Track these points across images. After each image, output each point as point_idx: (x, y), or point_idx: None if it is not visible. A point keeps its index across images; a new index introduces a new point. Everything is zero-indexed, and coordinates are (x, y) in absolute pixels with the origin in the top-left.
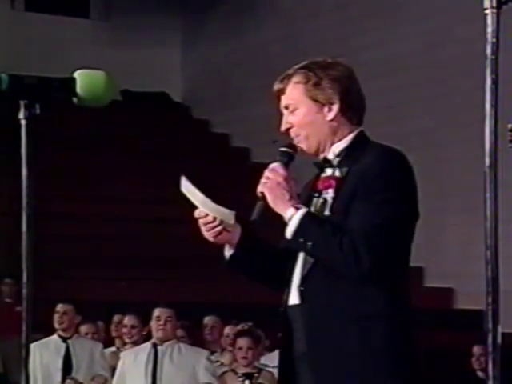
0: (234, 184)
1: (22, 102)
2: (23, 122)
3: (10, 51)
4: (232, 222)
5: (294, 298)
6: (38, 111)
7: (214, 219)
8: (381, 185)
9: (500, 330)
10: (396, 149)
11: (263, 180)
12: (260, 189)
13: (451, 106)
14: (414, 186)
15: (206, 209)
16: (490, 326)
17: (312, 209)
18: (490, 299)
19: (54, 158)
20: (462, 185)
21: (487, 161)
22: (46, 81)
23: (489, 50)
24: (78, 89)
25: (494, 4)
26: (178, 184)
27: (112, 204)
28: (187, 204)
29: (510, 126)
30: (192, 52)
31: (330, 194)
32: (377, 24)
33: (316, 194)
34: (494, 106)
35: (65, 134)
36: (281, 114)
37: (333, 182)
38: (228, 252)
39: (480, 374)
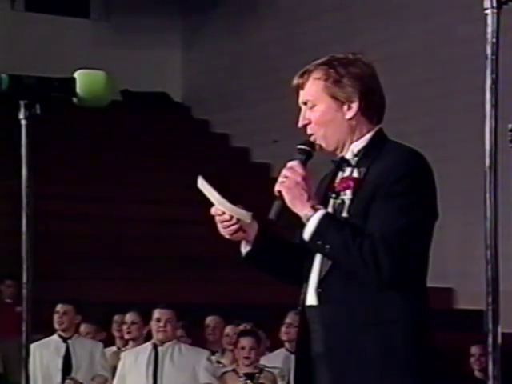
0: (233, 184)
1: (21, 102)
2: (23, 122)
3: (9, 51)
4: (248, 221)
5: (311, 299)
6: (38, 111)
7: (231, 217)
8: (402, 188)
9: (500, 330)
10: (416, 150)
11: (281, 179)
12: (278, 187)
13: (451, 106)
14: (433, 187)
15: (222, 207)
16: (490, 326)
17: (329, 210)
18: (489, 299)
19: (54, 158)
20: (462, 185)
21: (487, 161)
22: (46, 81)
23: (489, 50)
24: (78, 89)
25: (494, 4)
26: (178, 184)
27: (112, 204)
28: (187, 204)
29: (510, 126)
30: (192, 52)
31: (347, 196)
32: (377, 24)
33: (333, 195)
34: (494, 106)
35: (65, 134)
36: (299, 109)
37: (351, 183)
38: (244, 249)
39: (478, 374)
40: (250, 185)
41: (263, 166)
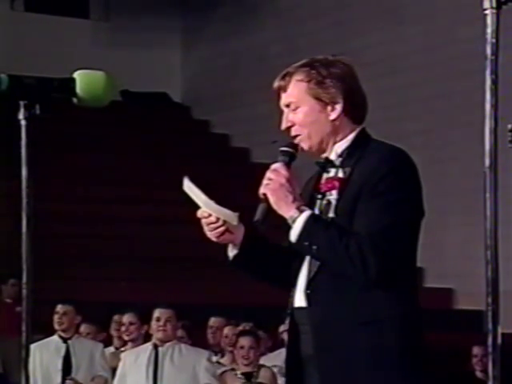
0: (234, 184)
1: (21, 103)
2: (23, 123)
3: (10, 51)
4: (235, 223)
5: (300, 301)
6: (37, 111)
7: (217, 219)
8: (386, 186)
9: (500, 330)
10: (400, 148)
11: (265, 181)
12: (262, 190)
13: (451, 106)
14: (419, 185)
15: (209, 209)
16: (490, 326)
17: (316, 211)
18: (489, 299)
19: (53, 157)
20: (461, 185)
21: (487, 161)
22: (46, 81)
23: (489, 51)
24: (78, 89)
25: (494, 4)
26: (178, 184)
27: (112, 204)
28: (187, 204)
29: (510, 126)
30: (192, 52)
31: (333, 196)
32: (377, 24)
33: (319, 196)
34: (494, 106)
35: (65, 133)
36: (281, 112)
37: (336, 183)
38: (231, 252)
39: (480, 374)
40: (250, 185)
41: (263, 166)
